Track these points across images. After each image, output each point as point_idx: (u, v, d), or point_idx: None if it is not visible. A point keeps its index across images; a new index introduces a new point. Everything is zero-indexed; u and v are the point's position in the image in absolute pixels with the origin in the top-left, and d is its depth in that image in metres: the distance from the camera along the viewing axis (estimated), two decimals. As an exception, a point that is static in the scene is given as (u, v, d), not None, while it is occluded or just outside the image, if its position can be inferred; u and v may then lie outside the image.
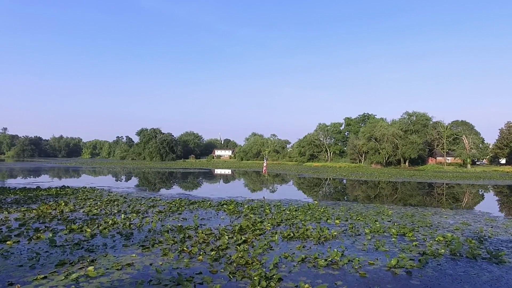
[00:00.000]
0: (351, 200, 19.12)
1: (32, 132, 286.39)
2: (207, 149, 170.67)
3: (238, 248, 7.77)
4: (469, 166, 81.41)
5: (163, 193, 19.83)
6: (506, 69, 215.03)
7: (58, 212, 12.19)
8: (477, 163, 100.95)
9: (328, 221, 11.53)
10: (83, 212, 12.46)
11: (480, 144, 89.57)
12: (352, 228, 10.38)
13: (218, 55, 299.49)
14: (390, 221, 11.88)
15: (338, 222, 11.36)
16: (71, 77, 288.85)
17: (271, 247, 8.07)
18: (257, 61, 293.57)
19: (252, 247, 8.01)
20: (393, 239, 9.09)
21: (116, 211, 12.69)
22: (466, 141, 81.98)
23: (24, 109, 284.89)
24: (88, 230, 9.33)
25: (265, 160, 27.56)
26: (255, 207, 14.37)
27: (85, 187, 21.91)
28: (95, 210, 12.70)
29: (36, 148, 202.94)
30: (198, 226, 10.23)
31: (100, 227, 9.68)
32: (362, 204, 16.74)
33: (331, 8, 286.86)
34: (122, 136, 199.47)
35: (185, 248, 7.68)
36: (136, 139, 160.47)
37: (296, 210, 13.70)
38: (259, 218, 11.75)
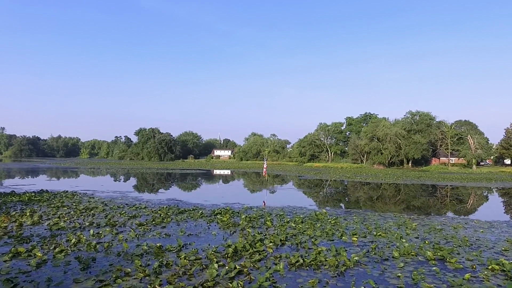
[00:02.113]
0: (363, 207, 17.01)
1: (30, 132, 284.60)
2: (206, 149, 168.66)
3: (231, 285, 5.68)
4: (474, 167, 79.31)
5: (152, 198, 17.73)
6: (506, 69, 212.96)
7: (16, 226, 10.10)
8: (481, 163, 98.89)
9: (343, 238, 9.43)
10: (47, 225, 10.35)
11: (485, 144, 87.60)
12: (375, 249, 8.29)
13: (218, 55, 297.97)
14: (418, 238, 9.79)
15: (356, 239, 9.27)
16: (71, 77, 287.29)
17: (275, 282, 5.99)
18: (257, 61, 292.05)
19: (249, 282, 5.94)
20: (433, 267, 7.00)
21: (87, 224, 10.59)
22: (472, 141, 79.87)
23: (23, 108, 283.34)
24: (39, 254, 7.22)
25: (265, 161, 25.39)
26: (254, 217, 12.29)
27: (67, 191, 19.80)
28: (63, 223, 10.60)
29: (34, 148, 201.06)
30: (182, 247, 8.14)
31: (57, 250, 7.58)
32: (377, 213, 14.64)
33: (331, 8, 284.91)
34: (120, 136, 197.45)
35: (157, 286, 5.60)
36: (135, 139, 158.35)
37: (302, 222, 11.61)
38: (258, 233, 9.66)
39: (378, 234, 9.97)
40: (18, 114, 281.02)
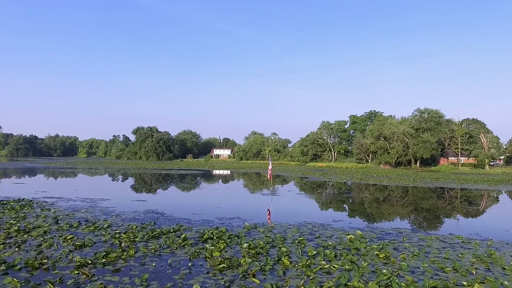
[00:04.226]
0: (405, 222, 12.99)
1: (28, 131, 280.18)
2: (205, 148, 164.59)
3: None
4: (487, 167, 75.21)
5: (125, 210, 13.66)
6: (507, 68, 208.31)
7: None
8: (491, 163, 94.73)
9: (421, 298, 5.40)
10: None
11: (496, 144, 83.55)
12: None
13: (218, 54, 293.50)
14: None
15: (447, 303, 5.23)
16: (69, 75, 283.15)
17: None
18: (257, 60, 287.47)
19: None
20: None
21: (-6, 265, 6.55)
22: (485, 140, 75.74)
23: (20, 107, 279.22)
24: None
25: (270, 162, 21.14)
26: (261, 246, 8.27)
27: (21, 199, 15.75)
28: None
29: (31, 147, 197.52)
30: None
31: None
32: (432, 233, 10.57)
33: (331, 7, 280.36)
34: (118, 135, 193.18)
35: None
36: (133, 138, 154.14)
37: (336, 256, 7.59)
38: (272, 284, 5.64)
39: (469, 285, 5.93)
40: (15, 113, 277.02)
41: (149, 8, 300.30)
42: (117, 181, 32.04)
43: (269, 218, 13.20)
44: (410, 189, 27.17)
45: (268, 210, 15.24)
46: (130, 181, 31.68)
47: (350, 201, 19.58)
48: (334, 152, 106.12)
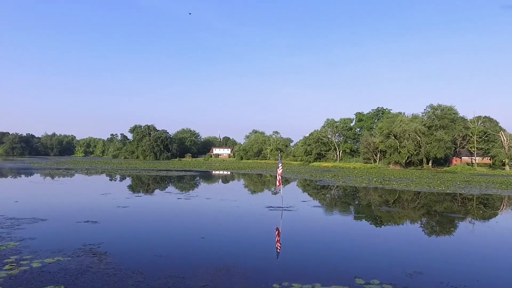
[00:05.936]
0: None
1: (25, 130, 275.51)
2: (204, 147, 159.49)
3: None
4: (507, 167, 69.72)
5: (43, 246, 8.25)
6: (506, 67, 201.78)
7: None
8: (510, 163, 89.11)
9: None
10: None
11: (512, 142, 78.06)
12: None
13: (218, 53, 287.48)
14: None
15: None
16: (67, 74, 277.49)
17: None
18: (258, 59, 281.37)
19: None
20: None
21: None
22: (505, 138, 70.22)
23: (17, 106, 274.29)
24: None
25: (279, 164, 15.73)
26: None
27: None
28: None
29: (27, 146, 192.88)
30: None
31: None
32: None
33: (332, 7, 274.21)
34: (116, 134, 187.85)
35: None
36: (131, 136, 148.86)
37: None
38: None
39: None
40: (12, 111, 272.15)
41: (148, 7, 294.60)
42: (87, 186, 26.70)
43: (278, 241, 8.14)
44: (453, 198, 21.77)
45: (277, 229, 10.08)
46: (104, 186, 26.36)
47: (401, 221, 14.07)
48: (339, 151, 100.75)
